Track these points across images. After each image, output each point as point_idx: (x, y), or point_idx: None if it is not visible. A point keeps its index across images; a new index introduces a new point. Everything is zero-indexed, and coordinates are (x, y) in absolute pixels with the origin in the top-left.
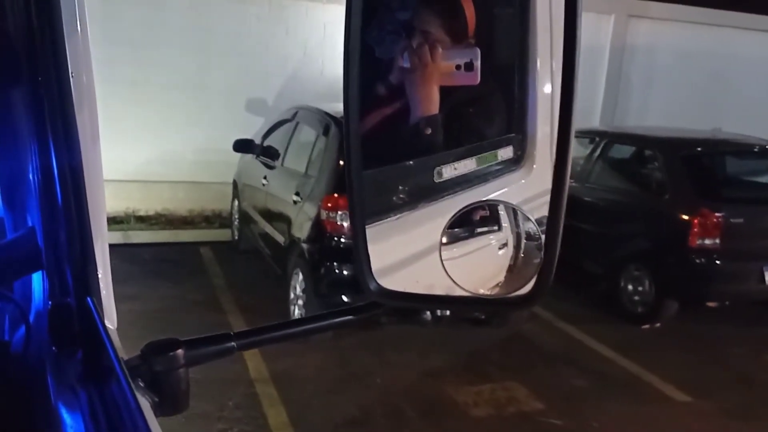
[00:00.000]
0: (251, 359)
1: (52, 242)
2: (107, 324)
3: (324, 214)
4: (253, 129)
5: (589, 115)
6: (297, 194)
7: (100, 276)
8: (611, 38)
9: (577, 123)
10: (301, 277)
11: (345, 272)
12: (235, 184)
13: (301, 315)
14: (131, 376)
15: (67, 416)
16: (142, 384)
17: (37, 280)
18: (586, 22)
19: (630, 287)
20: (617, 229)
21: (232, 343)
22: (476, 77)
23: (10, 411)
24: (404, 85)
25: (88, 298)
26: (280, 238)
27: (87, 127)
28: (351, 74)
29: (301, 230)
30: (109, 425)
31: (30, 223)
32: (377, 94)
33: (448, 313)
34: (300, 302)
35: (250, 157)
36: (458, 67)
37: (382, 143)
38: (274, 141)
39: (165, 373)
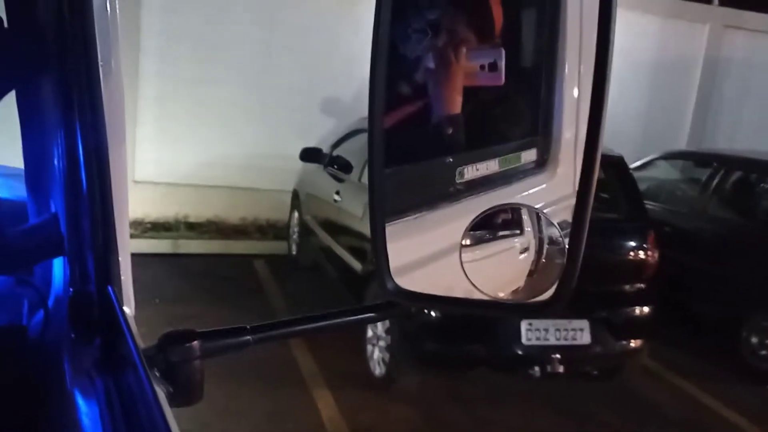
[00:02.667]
0: (325, 409)
1: (74, 229)
2: (127, 312)
3: None
4: (316, 134)
5: (676, 132)
6: None
7: (121, 265)
8: (705, 50)
9: (663, 142)
10: None
11: (435, 314)
12: (295, 193)
13: (382, 358)
14: (148, 365)
15: (82, 403)
16: (157, 374)
17: (58, 266)
18: (677, 31)
19: (754, 339)
20: (741, 271)
21: (248, 337)
22: (500, 78)
23: (26, 395)
24: (428, 84)
25: (109, 287)
26: (357, 265)
27: (114, 115)
28: (378, 71)
29: None
30: (125, 413)
31: (53, 209)
32: (402, 92)
33: (561, 369)
34: (381, 343)
35: (314, 166)
36: (482, 67)
37: (404, 142)
38: (346, 151)
39: (180, 364)
